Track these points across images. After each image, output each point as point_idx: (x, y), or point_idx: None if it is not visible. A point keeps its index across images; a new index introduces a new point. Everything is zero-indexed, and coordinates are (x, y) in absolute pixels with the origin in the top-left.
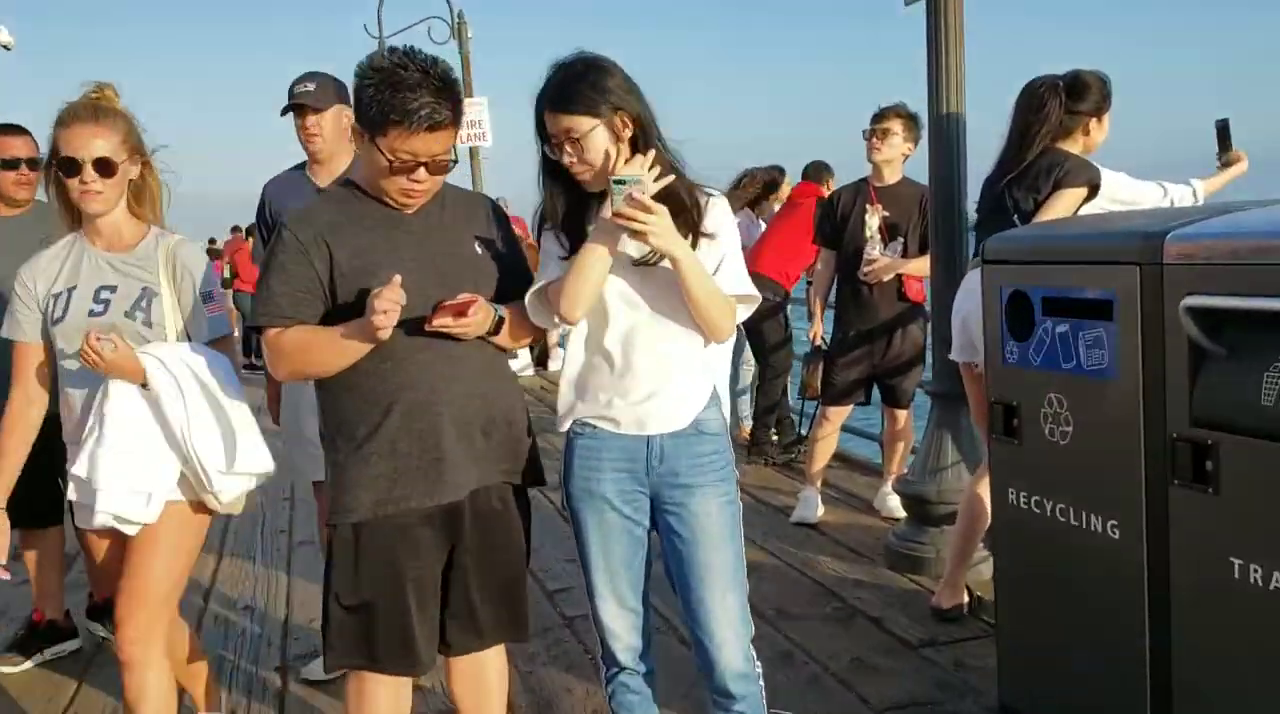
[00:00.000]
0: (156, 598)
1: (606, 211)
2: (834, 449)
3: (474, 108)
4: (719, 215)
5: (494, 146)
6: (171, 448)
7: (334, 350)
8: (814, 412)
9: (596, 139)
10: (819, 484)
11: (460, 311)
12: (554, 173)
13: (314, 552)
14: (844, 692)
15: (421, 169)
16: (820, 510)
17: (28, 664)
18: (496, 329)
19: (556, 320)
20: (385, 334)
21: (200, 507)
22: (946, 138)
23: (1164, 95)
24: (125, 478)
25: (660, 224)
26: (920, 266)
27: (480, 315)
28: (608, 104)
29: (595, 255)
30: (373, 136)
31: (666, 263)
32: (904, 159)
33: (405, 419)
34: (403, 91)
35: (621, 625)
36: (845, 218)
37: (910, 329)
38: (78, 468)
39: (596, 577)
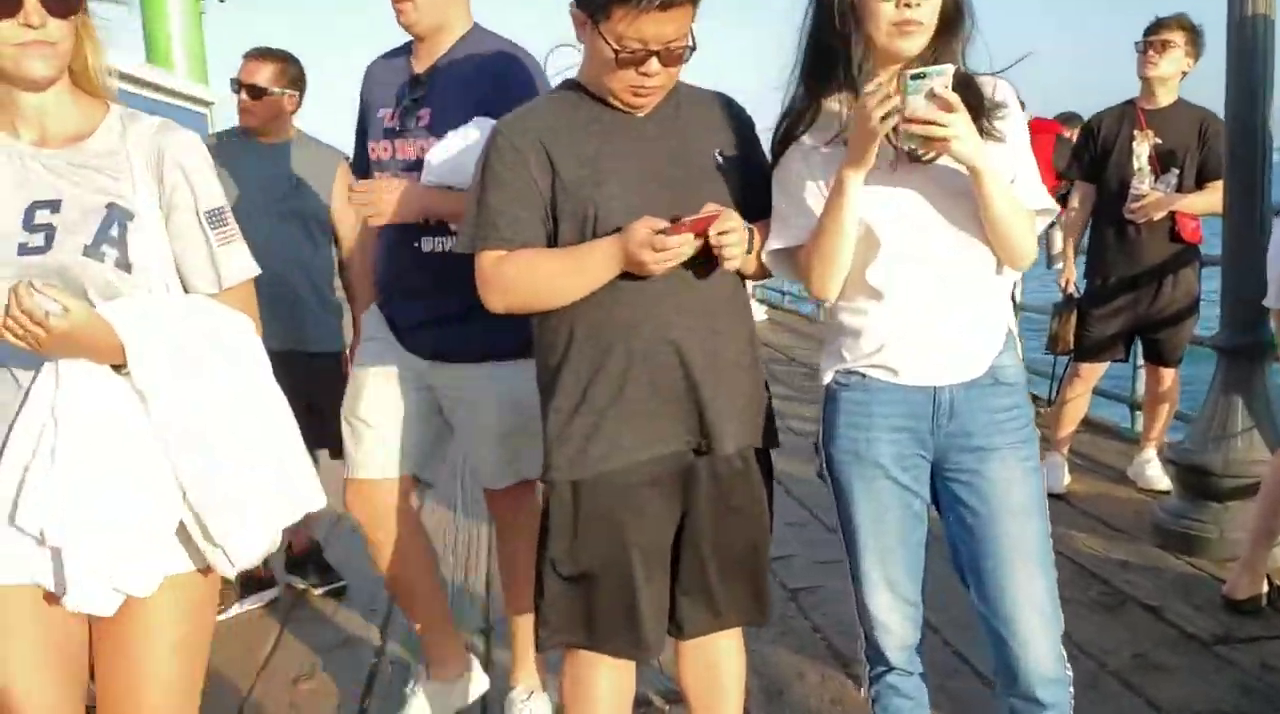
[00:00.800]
0: None
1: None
2: (1084, 412)
3: None
4: (1011, 107)
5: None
6: (167, 475)
7: (576, 278)
8: (1064, 369)
9: None
10: (1066, 450)
11: (701, 230)
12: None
13: None
14: (1129, 695)
15: (653, 60)
16: (1067, 479)
17: (228, 613)
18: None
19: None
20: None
21: (206, 570)
22: (1250, 44)
23: None
24: (102, 530)
25: (964, 127)
26: (1201, 202)
27: (734, 235)
28: None
29: (842, 214)
30: (595, 21)
31: (945, 162)
32: (1181, 78)
33: (632, 359)
34: None
35: (895, 619)
36: (1108, 147)
37: (1184, 274)
38: (22, 515)
39: (866, 559)
